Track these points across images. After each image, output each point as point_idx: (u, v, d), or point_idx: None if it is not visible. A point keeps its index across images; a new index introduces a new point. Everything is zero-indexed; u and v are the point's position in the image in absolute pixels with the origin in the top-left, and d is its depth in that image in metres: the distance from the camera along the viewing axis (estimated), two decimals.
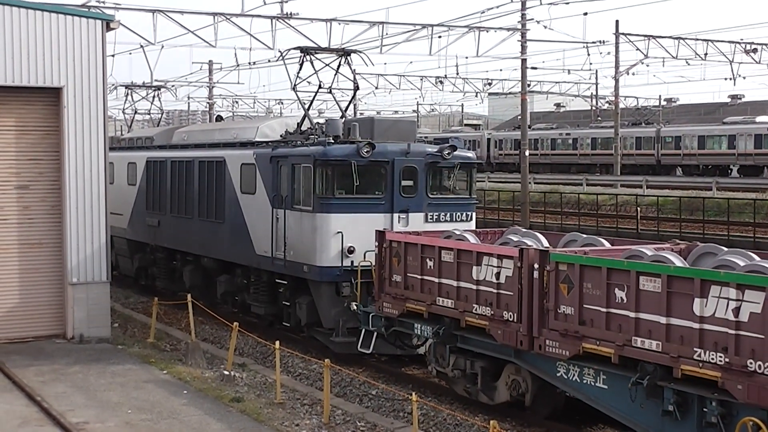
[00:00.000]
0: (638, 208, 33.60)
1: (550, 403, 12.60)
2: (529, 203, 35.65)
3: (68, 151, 16.65)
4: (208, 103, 58.57)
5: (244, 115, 67.40)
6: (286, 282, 17.05)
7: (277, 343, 13.66)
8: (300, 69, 17.94)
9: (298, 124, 18.15)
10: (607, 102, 66.71)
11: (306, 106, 18.07)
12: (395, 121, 17.50)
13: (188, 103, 68.28)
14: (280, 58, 18.59)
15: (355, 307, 15.12)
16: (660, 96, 71.47)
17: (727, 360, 9.52)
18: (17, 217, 16.72)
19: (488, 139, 66.60)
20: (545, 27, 40.08)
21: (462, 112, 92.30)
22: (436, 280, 13.28)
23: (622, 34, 47.16)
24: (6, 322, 16.53)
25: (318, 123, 17.56)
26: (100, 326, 16.87)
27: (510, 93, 61.34)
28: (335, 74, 17.94)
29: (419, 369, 15.68)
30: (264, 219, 17.36)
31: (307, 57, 17.79)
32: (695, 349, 9.84)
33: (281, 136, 18.25)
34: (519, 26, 34.85)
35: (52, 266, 16.90)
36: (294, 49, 18.07)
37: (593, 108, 69.00)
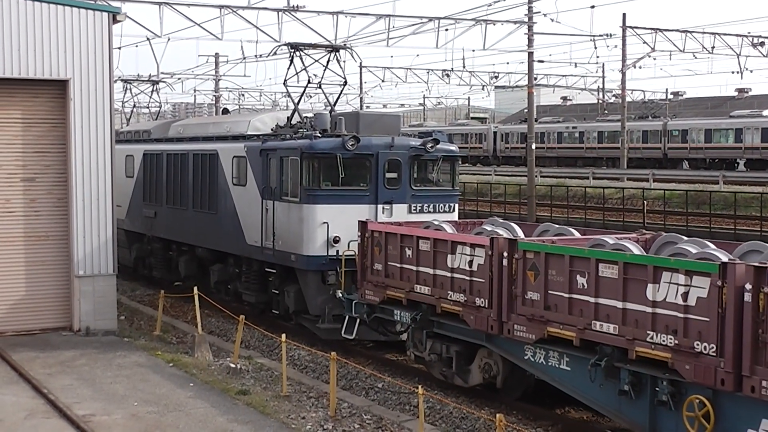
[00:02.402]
0: (645, 202, 33.89)
1: (520, 385, 13.35)
2: (536, 197, 36.05)
3: (74, 143, 16.77)
4: (214, 95, 59.41)
5: (251, 107, 68.30)
6: (275, 271, 17.86)
7: (284, 336, 13.89)
8: (290, 65, 18.78)
9: (288, 118, 18.97)
10: (613, 95, 67.18)
11: (296, 101, 18.89)
12: (380, 116, 18.34)
13: (194, 95, 69.20)
14: (273, 53, 19.35)
15: (340, 295, 15.90)
16: (667, 89, 72.26)
17: (676, 342, 10.18)
18: (23, 210, 16.86)
19: (495, 133, 67.26)
20: (552, 20, 40.55)
21: (468, 105, 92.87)
22: (414, 268, 14.03)
23: (629, 27, 47.54)
24: (12, 314, 16.74)
25: (306, 117, 18.39)
26: (107, 319, 17.04)
27: (517, 86, 61.85)
28: (324, 70, 18.77)
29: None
30: (254, 210, 18.17)
31: (297, 53, 18.63)
32: (648, 332, 10.49)
33: (272, 129, 19.07)
34: (526, 19, 35.40)
35: (59, 259, 17.05)
36: (284, 45, 18.88)
37: (600, 101, 69.50)
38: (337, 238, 16.47)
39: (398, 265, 14.40)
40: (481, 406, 13.31)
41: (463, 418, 12.71)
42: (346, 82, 19.13)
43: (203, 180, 20.47)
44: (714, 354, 9.79)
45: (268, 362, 15.65)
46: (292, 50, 18.69)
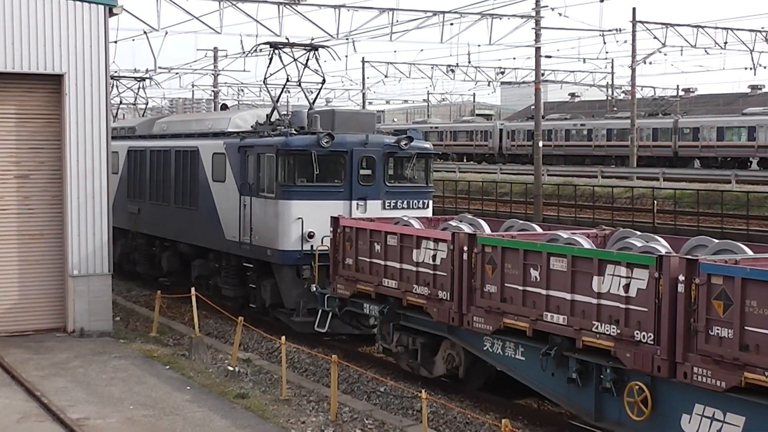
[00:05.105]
0: (654, 202, 34.45)
1: (481, 376, 14.36)
2: (543, 196, 36.61)
3: (69, 139, 16.94)
4: (213, 91, 60.65)
5: (250, 103, 69.41)
6: (252, 265, 18.97)
7: (283, 338, 14.18)
8: (269, 63, 19.93)
9: (267, 115, 20.12)
10: (623, 92, 67.95)
11: (275, 98, 20.05)
12: (355, 113, 19.54)
13: (192, 91, 70.47)
14: (251, 53, 20.56)
15: (314, 289, 16.96)
16: (678, 86, 72.90)
17: (618, 331, 11.17)
18: (17, 208, 17.06)
19: (500, 130, 68.01)
20: (560, 14, 41.50)
21: (474, 101, 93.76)
22: (383, 262, 15.09)
23: (639, 21, 48.15)
24: (5, 315, 16.95)
25: (285, 114, 19.52)
26: (102, 319, 17.27)
27: (523, 82, 62.76)
28: (303, 68, 19.92)
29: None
30: (233, 206, 19.31)
31: (276, 51, 19.78)
32: (594, 322, 11.49)
33: (252, 127, 20.20)
34: (533, 13, 36.08)
35: (53, 258, 17.27)
36: (263, 44, 20.06)
37: (609, 98, 70.26)
38: (312, 233, 17.55)
39: (368, 260, 15.45)
40: (486, 410, 13.75)
41: (467, 423, 13.06)
42: (324, 80, 20.27)
43: (185, 176, 21.60)
44: (651, 342, 10.77)
45: (268, 365, 16.04)
46: (272, 49, 19.86)
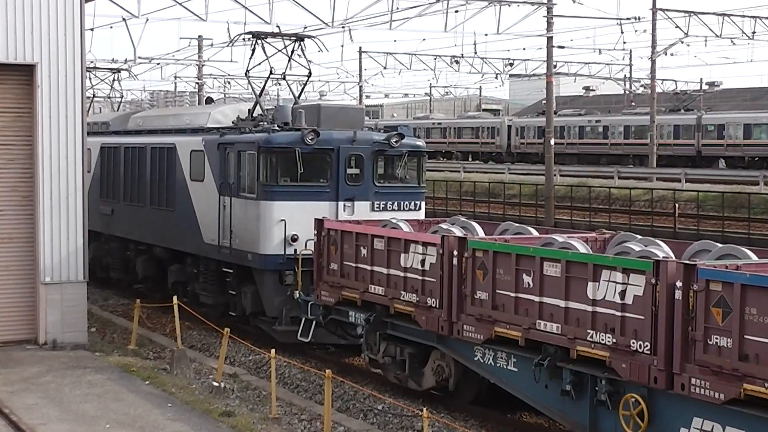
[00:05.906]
0: (676, 205, 34.69)
1: (473, 388, 14.70)
2: (555, 198, 36.80)
3: (42, 135, 16.93)
4: (197, 83, 61.08)
5: (237, 96, 69.80)
6: (232, 271, 19.31)
7: (273, 351, 14.25)
8: (252, 55, 20.33)
9: (249, 110, 20.50)
10: (642, 85, 68.27)
11: (258, 93, 20.44)
12: (342, 108, 19.90)
13: (175, 83, 70.81)
14: (234, 43, 20.95)
15: (297, 296, 17.29)
16: (701, 79, 73.11)
17: (614, 340, 11.48)
18: None
19: (509, 126, 68.43)
20: (574, 1, 41.66)
21: (480, 95, 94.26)
22: (369, 267, 15.41)
23: (660, 9, 48.42)
24: None
25: (268, 109, 19.90)
26: (76, 331, 17.22)
27: (534, 75, 63.15)
28: (289, 60, 20.28)
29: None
30: (212, 207, 19.66)
31: (259, 42, 20.17)
32: (588, 330, 11.80)
33: (233, 122, 20.60)
34: (545, 0, 36.65)
35: (23, 264, 17.24)
36: (246, 34, 20.47)
37: (626, 92, 70.66)
38: (295, 237, 17.90)
39: (353, 265, 15.78)
40: (491, 430, 13.90)
41: None
42: (310, 73, 20.65)
43: (161, 175, 21.97)
44: (648, 352, 11.07)
45: (255, 380, 16.21)
46: (254, 39, 20.25)
